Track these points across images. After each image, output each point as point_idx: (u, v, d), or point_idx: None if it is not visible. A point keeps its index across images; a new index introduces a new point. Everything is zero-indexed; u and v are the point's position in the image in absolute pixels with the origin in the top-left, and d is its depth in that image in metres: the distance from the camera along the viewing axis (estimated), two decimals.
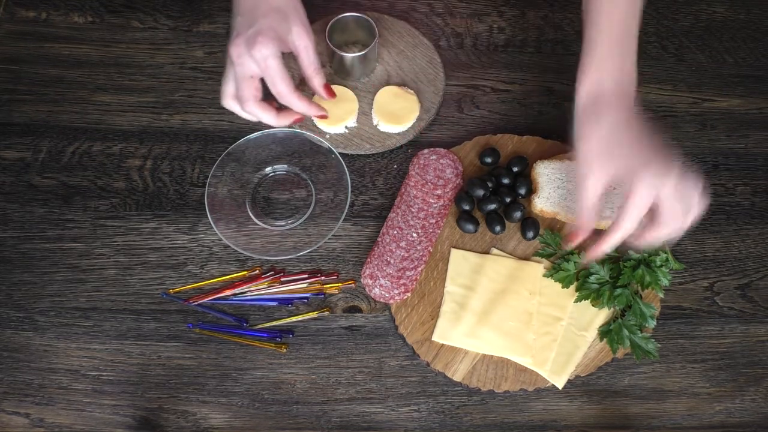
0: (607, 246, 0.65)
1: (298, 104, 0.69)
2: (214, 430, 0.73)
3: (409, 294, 0.76)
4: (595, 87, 0.65)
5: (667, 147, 0.63)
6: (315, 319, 0.76)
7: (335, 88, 0.80)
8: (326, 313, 0.76)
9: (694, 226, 0.65)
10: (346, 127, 0.81)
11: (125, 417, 0.72)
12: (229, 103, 0.71)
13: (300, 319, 0.75)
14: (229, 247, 0.76)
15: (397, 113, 0.81)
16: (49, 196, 0.78)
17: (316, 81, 0.70)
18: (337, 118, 0.79)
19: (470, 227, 0.78)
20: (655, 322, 0.76)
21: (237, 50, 0.66)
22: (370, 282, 0.76)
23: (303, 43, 0.68)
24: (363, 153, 0.81)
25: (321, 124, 0.80)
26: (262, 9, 0.66)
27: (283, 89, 0.67)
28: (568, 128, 0.67)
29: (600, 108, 0.64)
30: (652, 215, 0.64)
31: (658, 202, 0.62)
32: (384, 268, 0.76)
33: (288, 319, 0.75)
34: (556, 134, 0.84)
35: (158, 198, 0.79)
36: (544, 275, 0.77)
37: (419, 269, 0.76)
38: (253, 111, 0.70)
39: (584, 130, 0.64)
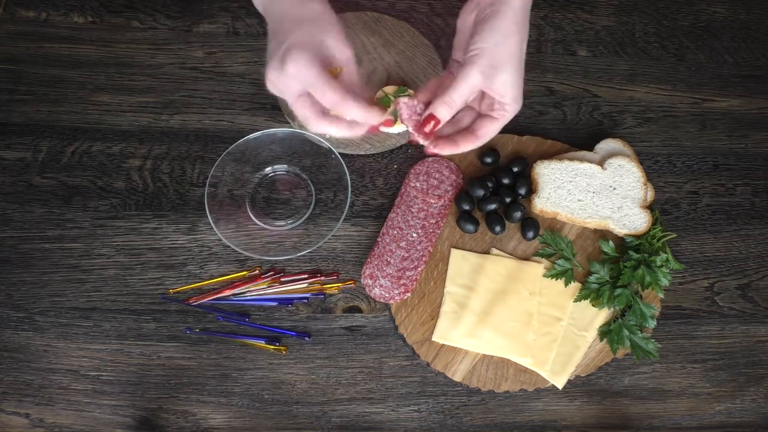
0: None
1: (355, 113, 0.59)
2: (214, 430, 0.73)
3: (409, 294, 0.76)
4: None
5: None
6: (315, 319, 0.76)
7: None
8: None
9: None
10: None
11: (125, 417, 0.72)
12: (314, 126, 0.61)
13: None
14: (229, 247, 0.76)
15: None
16: (49, 196, 0.78)
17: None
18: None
19: (470, 227, 0.78)
20: (655, 322, 0.76)
21: (273, 75, 0.59)
22: (370, 282, 0.76)
23: (343, 56, 0.60)
24: (363, 153, 0.81)
25: None
26: (286, 26, 0.59)
27: (332, 98, 0.58)
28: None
29: (525, 20, 0.62)
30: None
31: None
32: (384, 268, 0.76)
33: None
34: (556, 134, 0.84)
35: (158, 198, 0.79)
36: (544, 275, 0.77)
37: (419, 269, 0.76)
38: (322, 129, 0.61)
39: (512, 36, 0.60)
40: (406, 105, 0.61)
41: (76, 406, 0.72)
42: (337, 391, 0.74)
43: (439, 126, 0.60)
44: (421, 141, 0.61)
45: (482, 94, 0.63)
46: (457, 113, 0.63)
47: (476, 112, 0.64)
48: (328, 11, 0.61)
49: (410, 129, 0.61)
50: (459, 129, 0.64)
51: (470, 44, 0.59)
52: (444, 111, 0.60)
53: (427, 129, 0.60)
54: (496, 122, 0.63)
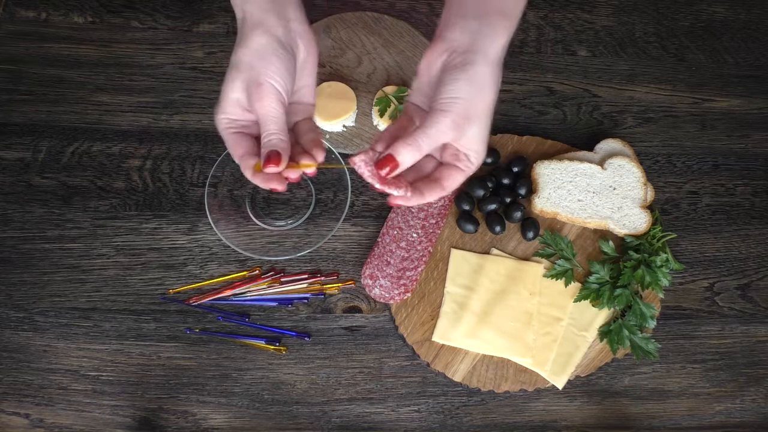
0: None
1: (247, 175, 0.56)
2: (214, 430, 0.73)
3: (409, 294, 0.76)
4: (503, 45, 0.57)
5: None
6: (315, 319, 0.76)
7: (335, 84, 0.80)
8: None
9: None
10: (344, 126, 0.81)
11: (125, 417, 0.72)
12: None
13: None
14: (229, 247, 0.76)
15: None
16: (49, 196, 0.78)
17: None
18: (334, 116, 0.79)
19: (470, 227, 0.78)
20: (655, 323, 0.76)
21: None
22: (370, 282, 0.76)
23: (258, 112, 0.55)
24: None
25: (319, 122, 0.80)
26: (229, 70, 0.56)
27: (234, 157, 0.57)
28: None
29: (499, 70, 0.57)
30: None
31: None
32: (384, 269, 0.76)
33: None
34: (556, 134, 0.84)
35: (158, 198, 0.79)
36: (544, 275, 0.77)
37: (419, 269, 0.76)
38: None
39: (487, 89, 0.55)
40: (363, 162, 0.52)
41: (76, 406, 0.72)
42: (337, 391, 0.74)
43: (397, 171, 0.52)
44: (378, 186, 0.52)
45: (445, 143, 0.57)
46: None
47: (437, 160, 0.59)
48: (264, 48, 0.55)
49: (374, 183, 0.53)
50: (421, 176, 0.58)
51: (443, 92, 0.54)
52: (407, 153, 0.52)
53: (384, 172, 0.52)
54: (462, 173, 0.57)
